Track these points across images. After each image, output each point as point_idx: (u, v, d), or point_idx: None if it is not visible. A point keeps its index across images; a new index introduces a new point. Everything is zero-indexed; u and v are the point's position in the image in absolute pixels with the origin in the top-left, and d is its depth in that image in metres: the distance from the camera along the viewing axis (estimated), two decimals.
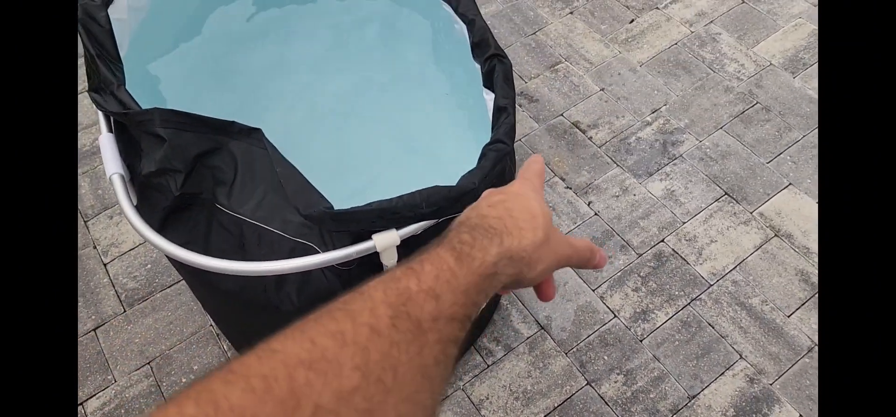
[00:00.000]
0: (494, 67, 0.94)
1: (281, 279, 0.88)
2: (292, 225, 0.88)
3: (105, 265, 1.42)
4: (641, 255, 1.43)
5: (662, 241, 1.45)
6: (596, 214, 1.49)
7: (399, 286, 0.31)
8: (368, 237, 0.80)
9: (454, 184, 0.81)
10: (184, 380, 1.28)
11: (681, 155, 1.58)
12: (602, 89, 1.71)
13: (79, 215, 1.50)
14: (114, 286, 1.40)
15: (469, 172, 0.83)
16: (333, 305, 0.30)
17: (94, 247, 1.45)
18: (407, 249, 0.83)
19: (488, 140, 0.88)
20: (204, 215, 0.92)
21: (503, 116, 0.88)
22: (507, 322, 1.35)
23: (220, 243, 0.91)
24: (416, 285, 0.31)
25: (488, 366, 1.30)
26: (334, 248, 0.85)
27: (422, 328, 0.30)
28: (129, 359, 1.31)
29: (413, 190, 0.79)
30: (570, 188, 1.54)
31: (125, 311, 1.37)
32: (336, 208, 0.81)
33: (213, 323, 1.34)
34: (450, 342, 0.32)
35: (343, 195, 0.82)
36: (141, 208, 0.94)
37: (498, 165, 0.84)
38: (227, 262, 0.82)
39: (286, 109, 1.40)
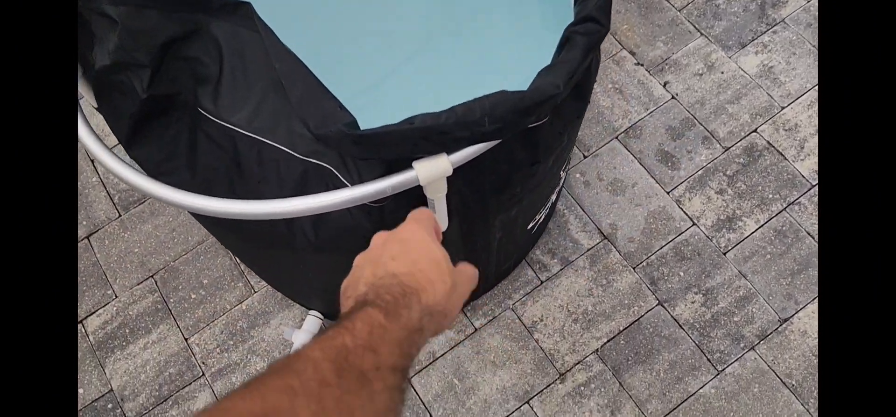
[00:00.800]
0: None
1: None
2: (304, 140, 0.65)
3: (93, 161, 1.22)
4: (729, 149, 1.18)
5: (755, 131, 1.19)
6: (673, 97, 1.22)
7: (335, 343, 0.31)
8: (408, 165, 0.57)
9: (524, 89, 0.56)
10: (193, 296, 1.13)
11: (783, 20, 1.27)
12: None
13: None
14: (105, 187, 1.21)
15: (546, 69, 0.58)
16: (272, 366, 0.30)
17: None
18: (466, 180, 0.60)
19: (571, 20, 0.61)
20: (185, 123, 0.69)
21: None
22: (564, 232, 1.14)
23: (210, 161, 0.69)
24: (351, 341, 0.32)
25: (542, 283, 1.11)
26: (360, 175, 0.62)
27: (367, 377, 0.31)
28: (129, 272, 1.14)
29: (468, 100, 0.55)
30: (642, 65, 1.26)
31: (120, 216, 1.19)
32: (362, 126, 0.57)
33: None
34: (395, 390, 0.32)
35: (367, 107, 0.58)
36: (103, 113, 0.72)
37: (588, 56, 0.58)
38: (216, 201, 0.61)
39: None
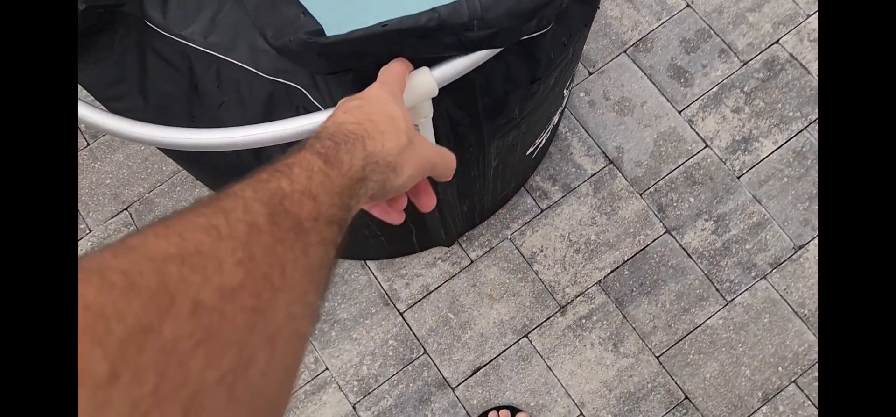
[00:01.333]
0: None
1: None
2: (268, 57, 0.56)
3: None
4: (747, 62, 1.08)
5: (777, 42, 1.09)
6: (688, 5, 1.11)
7: (270, 186, 0.27)
8: None
9: None
10: None
11: None
12: None
13: None
14: None
15: None
16: (197, 203, 0.25)
17: None
18: (455, 100, 0.51)
19: None
20: (132, 38, 0.60)
21: None
22: (566, 156, 1.06)
23: (163, 84, 0.61)
24: (288, 185, 0.28)
25: (542, 211, 1.04)
26: (332, 95, 0.54)
27: (303, 227, 0.27)
28: (102, 204, 1.07)
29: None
30: None
31: (88, 144, 1.10)
32: (328, 32, 0.48)
33: None
34: (331, 245, 0.29)
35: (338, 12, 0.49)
36: None
37: None
38: (170, 130, 0.52)
39: None
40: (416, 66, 0.47)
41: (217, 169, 0.66)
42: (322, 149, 0.32)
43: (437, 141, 0.59)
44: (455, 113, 0.57)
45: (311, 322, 0.27)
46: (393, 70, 0.44)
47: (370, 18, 0.44)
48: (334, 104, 0.54)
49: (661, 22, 1.11)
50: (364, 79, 0.51)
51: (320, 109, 0.55)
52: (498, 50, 0.49)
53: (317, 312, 0.27)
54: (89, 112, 0.55)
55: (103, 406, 0.18)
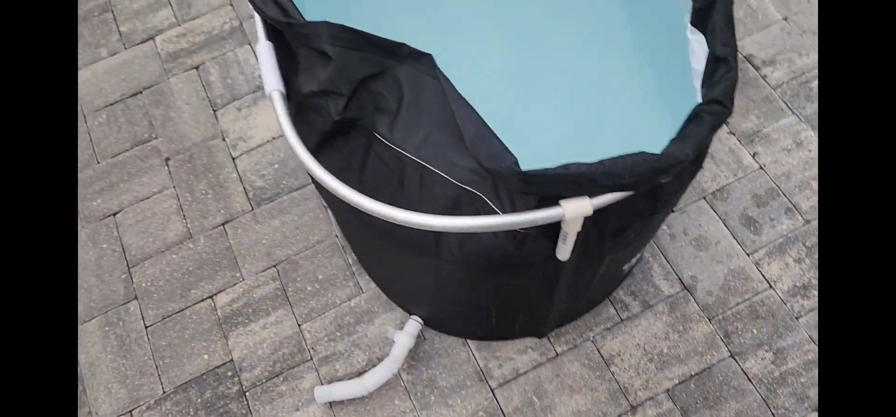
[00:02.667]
0: (713, 1, 0.77)
1: None
2: (461, 170, 0.79)
3: (234, 159, 1.41)
4: (809, 221, 1.26)
5: None
6: (761, 168, 1.32)
7: None
8: (555, 202, 0.70)
9: (659, 152, 0.68)
10: (309, 288, 1.28)
11: None
12: (785, 19, 1.46)
13: (208, 103, 1.47)
14: (242, 183, 1.38)
15: (678, 138, 0.70)
16: None
17: (223, 139, 1.43)
18: (594, 221, 0.72)
19: (699, 100, 0.73)
20: (361, 142, 0.84)
21: (722, 68, 0.73)
22: (647, 277, 1.24)
23: (377, 178, 0.84)
24: None
25: (622, 321, 1.21)
26: (511, 203, 0.75)
27: None
28: (256, 259, 1.31)
29: (613, 156, 0.67)
30: (734, 134, 1.36)
31: (252, 209, 1.36)
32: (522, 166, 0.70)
33: (339, 236, 1.31)
34: None
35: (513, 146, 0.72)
36: (297, 126, 0.88)
37: (713, 133, 0.70)
38: (396, 210, 0.74)
39: (457, 35, 1.18)
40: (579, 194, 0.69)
41: (402, 241, 0.87)
42: None
43: (574, 247, 0.79)
44: (590, 230, 0.78)
45: None
46: None
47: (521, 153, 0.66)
48: (513, 210, 0.76)
49: (736, 177, 1.31)
50: (539, 199, 0.73)
51: (498, 212, 0.76)
52: (638, 192, 0.70)
53: None
54: (332, 180, 0.78)
55: None
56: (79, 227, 1.36)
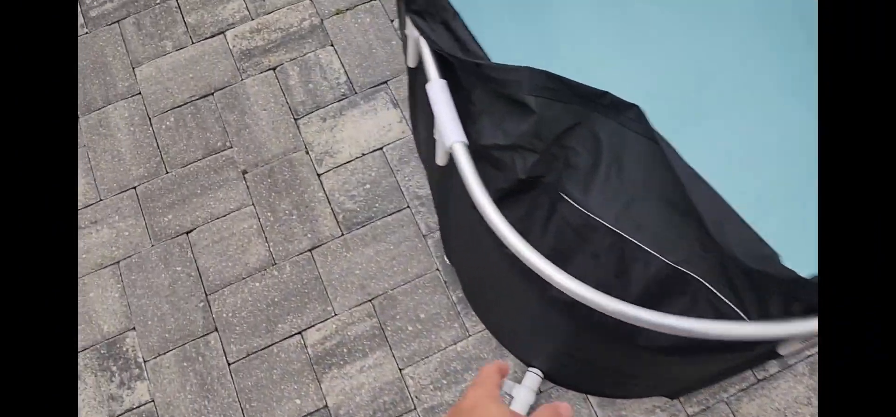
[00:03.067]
0: None
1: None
2: (675, 248, 0.66)
3: (319, 176, 1.27)
4: None
5: None
6: None
7: None
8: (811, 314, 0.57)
9: None
10: (410, 328, 1.16)
11: None
12: None
13: (288, 110, 1.33)
14: (329, 203, 1.25)
15: None
16: None
17: (307, 152, 1.29)
18: None
19: None
20: (543, 201, 0.71)
21: None
22: None
23: (559, 241, 0.71)
24: None
25: (759, 381, 1.10)
26: (742, 295, 0.63)
27: None
28: (349, 292, 1.18)
29: None
30: None
31: (343, 235, 1.23)
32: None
33: (441, 270, 1.18)
34: None
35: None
36: None
37: None
38: (631, 307, 0.61)
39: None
40: None
41: (600, 325, 0.74)
42: None
43: None
44: None
45: None
46: (486, 369, 0.45)
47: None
48: (742, 304, 0.63)
49: None
50: (785, 301, 0.60)
51: (721, 299, 0.64)
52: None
53: None
54: (544, 263, 0.65)
55: None
56: (150, 245, 1.23)
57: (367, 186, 1.26)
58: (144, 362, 1.15)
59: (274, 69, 1.37)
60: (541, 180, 0.70)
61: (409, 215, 1.24)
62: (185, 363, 1.15)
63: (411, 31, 0.72)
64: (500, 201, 0.72)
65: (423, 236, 1.22)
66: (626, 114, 0.67)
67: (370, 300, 1.18)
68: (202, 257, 1.22)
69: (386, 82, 1.34)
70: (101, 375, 1.15)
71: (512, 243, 0.66)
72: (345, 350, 1.15)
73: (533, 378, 1.06)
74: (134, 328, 1.18)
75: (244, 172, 1.28)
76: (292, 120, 1.32)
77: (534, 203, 0.71)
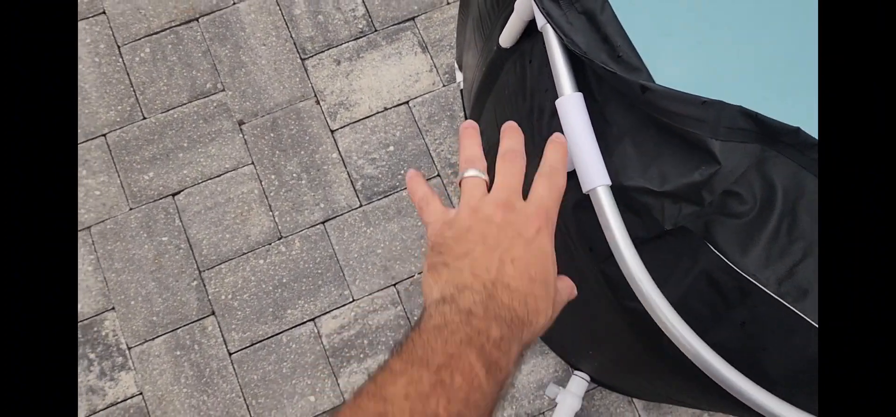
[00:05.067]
0: None
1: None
2: None
3: (333, 133, 1.07)
4: None
5: None
6: None
7: (427, 410, 0.28)
8: None
9: None
10: None
11: None
12: None
13: (293, 47, 1.10)
14: (346, 167, 1.06)
15: None
16: None
17: (317, 102, 1.08)
18: None
19: None
20: (685, 251, 0.57)
21: None
22: None
23: (697, 302, 0.58)
24: (445, 409, 0.28)
25: None
26: None
27: None
28: (370, 275, 1.03)
29: None
30: None
31: (361, 205, 1.05)
32: None
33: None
34: None
35: None
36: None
37: None
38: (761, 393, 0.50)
39: None
40: None
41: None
42: (488, 348, 0.31)
43: None
44: None
45: None
46: (554, 177, 0.40)
47: None
48: None
49: None
50: None
51: None
52: None
53: None
54: (687, 332, 0.52)
55: None
56: (127, 209, 1.02)
57: (391, 148, 1.07)
58: (129, 349, 0.98)
59: None
60: (686, 228, 0.55)
61: (439, 185, 1.07)
62: (178, 352, 0.98)
63: (529, 12, 0.53)
64: (651, 245, 0.57)
65: None
66: (811, 154, 0.52)
67: (394, 285, 1.03)
68: (193, 225, 1.03)
69: (413, 19, 1.12)
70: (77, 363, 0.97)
71: (658, 307, 0.52)
72: (365, 342, 1.01)
73: (579, 383, 0.96)
74: (113, 308, 0.99)
75: (240, 122, 1.07)
76: (299, 60, 1.10)
77: (672, 253, 0.57)
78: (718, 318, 0.57)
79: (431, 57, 1.11)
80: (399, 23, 1.11)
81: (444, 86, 1.10)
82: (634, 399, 1.02)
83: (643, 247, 0.57)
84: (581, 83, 0.54)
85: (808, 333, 0.55)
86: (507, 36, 0.61)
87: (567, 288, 0.40)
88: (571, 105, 0.50)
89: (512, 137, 0.41)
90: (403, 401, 0.28)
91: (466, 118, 1.00)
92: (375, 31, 1.11)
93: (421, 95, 1.09)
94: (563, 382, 1.00)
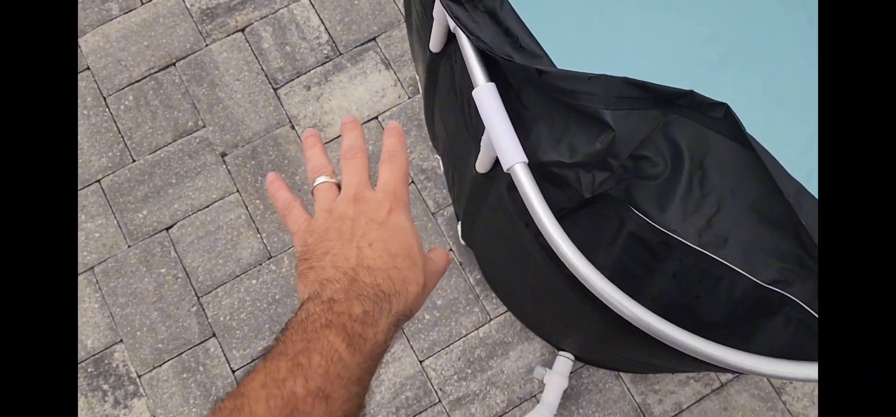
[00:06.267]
0: None
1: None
2: (766, 267, 0.59)
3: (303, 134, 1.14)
4: None
5: None
6: None
7: (284, 391, 0.28)
8: None
9: None
10: (426, 317, 1.07)
11: None
12: None
13: (265, 79, 1.17)
14: None
15: None
16: (217, 411, 0.28)
17: (293, 126, 1.15)
18: None
19: None
20: (610, 217, 0.62)
21: None
22: None
23: (627, 261, 0.63)
24: (303, 388, 0.29)
25: None
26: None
27: None
28: None
29: None
30: None
31: None
32: None
33: (455, 252, 1.09)
34: None
35: None
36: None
37: None
38: (704, 343, 0.54)
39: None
40: None
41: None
42: (349, 324, 0.31)
43: None
44: None
45: None
46: (398, 166, 0.41)
47: None
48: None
49: None
50: None
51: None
52: None
53: None
54: (608, 287, 0.57)
55: None
56: (126, 246, 1.10)
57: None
58: (139, 376, 1.05)
59: (243, 31, 1.20)
60: (608, 194, 0.60)
61: (414, 191, 1.13)
62: (184, 375, 1.05)
63: (442, 14, 0.59)
64: (561, 218, 0.62)
65: (433, 213, 1.12)
66: (712, 114, 0.57)
67: None
68: (188, 255, 1.09)
69: (374, 39, 1.18)
70: (92, 396, 1.04)
71: (585, 273, 0.57)
72: None
73: (564, 362, 1.01)
74: (121, 341, 1.06)
75: (223, 154, 1.14)
76: (271, 90, 1.17)
77: (599, 219, 0.62)
78: (652, 271, 0.62)
79: (395, 72, 1.17)
80: (361, 44, 1.18)
81: (409, 98, 1.16)
82: (621, 373, 1.06)
83: (571, 216, 0.62)
84: (498, 74, 0.60)
85: (732, 277, 0.60)
86: (434, 41, 0.67)
87: (440, 256, 0.42)
88: (485, 95, 0.56)
89: (351, 133, 0.42)
90: (260, 390, 0.28)
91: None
92: (340, 54, 1.17)
93: (388, 109, 1.15)
94: (550, 364, 1.04)
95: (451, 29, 0.59)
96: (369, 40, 1.18)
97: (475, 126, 0.69)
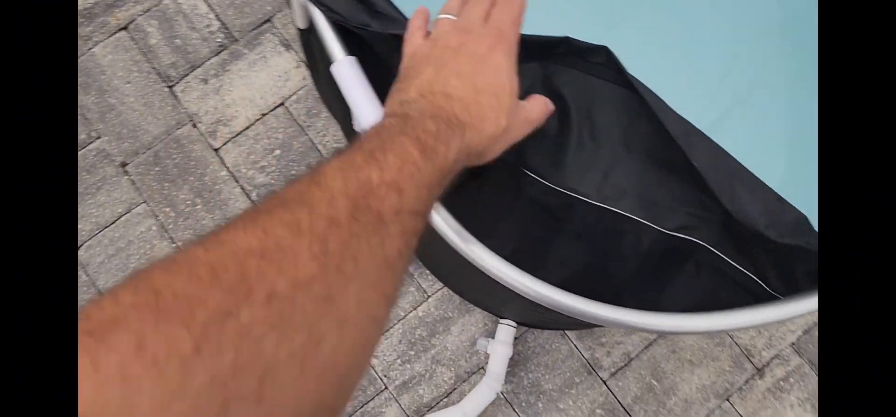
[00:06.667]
0: None
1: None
2: (670, 213, 0.55)
3: (217, 152, 1.06)
4: None
5: None
6: None
7: (360, 176, 0.29)
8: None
9: None
10: None
11: None
12: None
13: (158, 77, 1.08)
14: (237, 181, 1.06)
15: None
16: (287, 194, 0.27)
17: (194, 125, 1.07)
18: None
19: None
20: (505, 183, 0.57)
21: None
22: None
23: (533, 228, 0.58)
24: (378, 176, 0.29)
25: None
26: (744, 253, 0.53)
27: (383, 220, 0.28)
28: None
29: None
30: None
31: None
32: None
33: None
34: (411, 235, 0.30)
35: None
36: None
37: None
38: (618, 311, 0.50)
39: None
40: None
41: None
42: (423, 136, 0.32)
43: None
44: None
45: (385, 306, 0.28)
46: (513, 17, 0.41)
47: None
48: (757, 267, 0.53)
49: None
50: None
51: (733, 265, 0.54)
52: None
53: (392, 297, 0.29)
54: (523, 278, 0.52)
55: (188, 376, 0.20)
56: None
57: (277, 152, 1.07)
58: None
59: (126, 28, 1.10)
60: (502, 160, 0.55)
61: None
62: None
63: None
64: (458, 191, 0.57)
65: None
66: (591, 59, 0.52)
67: None
68: (100, 276, 1.02)
69: (269, 20, 1.10)
70: None
71: (478, 257, 0.52)
72: None
73: (507, 330, 0.97)
74: None
75: (123, 164, 1.06)
76: (166, 89, 1.08)
77: (492, 187, 0.57)
78: (557, 234, 0.58)
79: (296, 52, 1.09)
80: (257, 27, 1.10)
81: (318, 91, 1.08)
82: (566, 332, 1.03)
83: (468, 188, 0.57)
84: (363, 45, 0.54)
85: (637, 229, 0.56)
86: (297, 17, 0.60)
87: (537, 106, 0.43)
88: (343, 70, 0.50)
89: None
90: (336, 172, 0.28)
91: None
92: (235, 40, 1.09)
93: (294, 93, 1.08)
94: (493, 333, 1.01)
95: (302, 3, 0.53)
96: (265, 22, 1.10)
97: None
